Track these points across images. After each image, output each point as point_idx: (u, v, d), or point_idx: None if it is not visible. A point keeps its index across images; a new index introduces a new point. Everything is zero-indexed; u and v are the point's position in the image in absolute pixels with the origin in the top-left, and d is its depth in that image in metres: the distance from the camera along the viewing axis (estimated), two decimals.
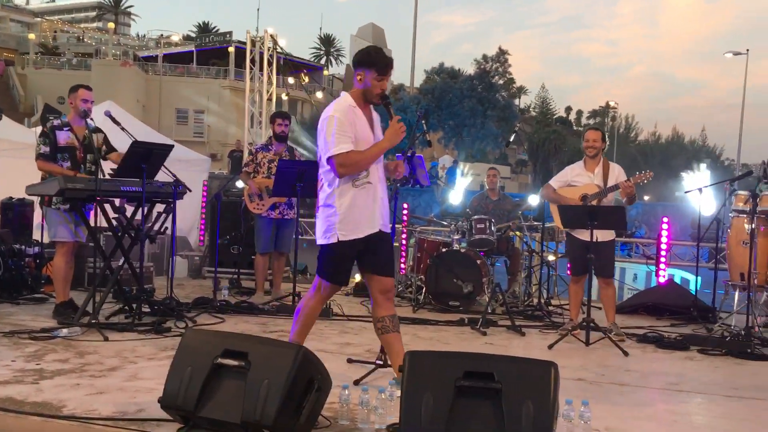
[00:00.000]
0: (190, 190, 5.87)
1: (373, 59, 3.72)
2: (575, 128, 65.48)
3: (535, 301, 7.21)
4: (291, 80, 16.85)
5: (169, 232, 5.91)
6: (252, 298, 6.86)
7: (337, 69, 61.82)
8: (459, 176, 20.50)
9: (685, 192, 8.29)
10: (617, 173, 5.91)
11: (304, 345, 3.31)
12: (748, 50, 33.46)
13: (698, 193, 6.94)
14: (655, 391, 4.39)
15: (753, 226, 6.01)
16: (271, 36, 12.35)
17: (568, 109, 72.44)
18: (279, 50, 12.91)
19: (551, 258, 8.06)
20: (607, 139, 6.27)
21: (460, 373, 2.90)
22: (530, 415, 2.78)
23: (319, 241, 3.81)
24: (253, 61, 12.25)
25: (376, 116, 3.89)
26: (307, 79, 49.89)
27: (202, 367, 3.05)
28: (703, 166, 27.52)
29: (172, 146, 5.66)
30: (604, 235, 5.77)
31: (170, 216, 5.75)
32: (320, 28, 69.63)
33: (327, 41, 68.52)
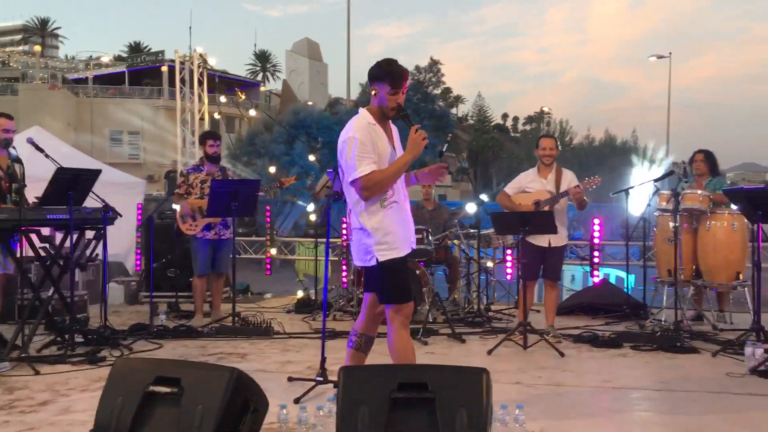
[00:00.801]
0: (120, 215, 5.76)
1: (385, 72, 3.55)
2: (512, 134, 66.81)
3: (476, 307, 7.32)
4: (223, 99, 16.68)
5: (101, 258, 5.77)
6: (191, 321, 6.75)
7: (275, 85, 61.56)
8: None
9: (612, 194, 8.57)
10: (569, 179, 6.07)
11: (237, 367, 3.29)
12: (670, 53, 34.84)
13: (626, 194, 7.17)
14: (589, 389, 4.51)
15: (677, 224, 6.26)
16: (200, 55, 12.23)
17: (505, 116, 73.77)
18: (209, 69, 12.79)
19: (489, 264, 8.20)
20: (559, 146, 6.46)
21: (394, 386, 2.93)
22: (464, 422, 2.83)
23: (358, 263, 3.70)
24: (183, 80, 12.11)
25: (395, 130, 3.76)
26: (243, 97, 49.73)
27: (134, 396, 2.99)
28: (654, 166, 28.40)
29: (100, 171, 5.54)
30: (557, 240, 5.94)
31: (101, 242, 5.63)
32: (254, 45, 69.04)
33: (263, 57, 68.20)
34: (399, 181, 3.64)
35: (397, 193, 3.62)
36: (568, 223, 6.39)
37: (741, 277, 6.57)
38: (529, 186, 6.15)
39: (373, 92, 3.61)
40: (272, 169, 13.20)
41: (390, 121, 3.71)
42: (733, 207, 6.18)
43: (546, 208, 5.90)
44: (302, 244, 10.49)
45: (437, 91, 24.28)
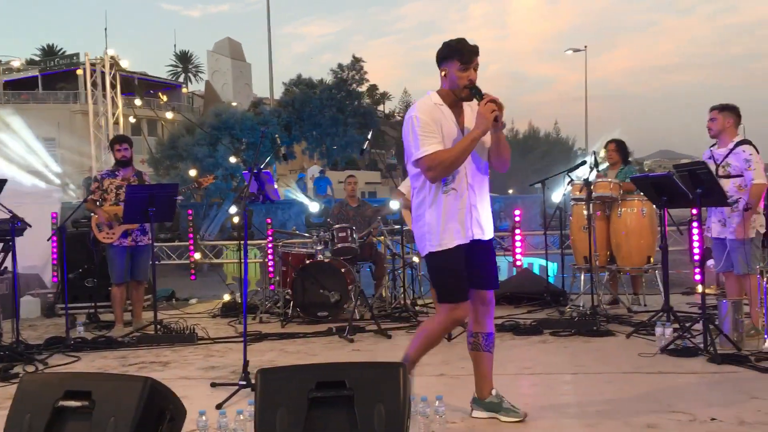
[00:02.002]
0: (29, 225, 5.54)
1: (453, 48, 3.37)
2: None
3: (402, 302, 7.38)
4: (138, 102, 16.24)
5: (11, 270, 5.55)
6: (111, 331, 6.56)
7: (197, 86, 60.35)
8: (328, 185, 20.61)
9: (529, 185, 8.81)
10: None
11: (158, 376, 3.22)
12: (585, 47, 35.98)
13: (543, 184, 7.38)
14: (509, 377, 4.62)
15: (590, 212, 6.48)
16: (112, 57, 11.87)
17: None
18: (124, 71, 12.44)
19: (415, 259, 8.28)
20: None
21: (312, 385, 2.93)
22: (382, 417, 2.85)
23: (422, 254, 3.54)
24: (95, 84, 11.73)
25: (471, 113, 3.46)
26: (165, 99, 48.48)
27: (42, 412, 2.89)
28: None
29: (5, 181, 5.32)
30: None
31: (9, 254, 5.40)
32: (174, 45, 67.36)
33: (184, 58, 66.73)
34: (466, 168, 3.41)
35: (458, 181, 3.40)
36: (494, 215, 6.51)
37: (652, 260, 6.86)
38: None
39: (443, 73, 3.42)
40: (192, 172, 12.92)
41: (464, 105, 3.48)
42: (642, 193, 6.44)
43: None
44: (228, 247, 10.35)
45: (362, 89, 24.34)
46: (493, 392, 3.65)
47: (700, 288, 5.31)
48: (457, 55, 3.34)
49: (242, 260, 5.32)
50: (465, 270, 3.43)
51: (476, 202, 3.43)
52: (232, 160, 16.87)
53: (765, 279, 5.08)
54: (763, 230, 5.35)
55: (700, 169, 4.78)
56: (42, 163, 13.27)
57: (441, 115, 3.38)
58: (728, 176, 5.19)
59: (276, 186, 5.66)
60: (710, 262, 6.38)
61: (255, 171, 4.44)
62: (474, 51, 3.36)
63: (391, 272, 7.80)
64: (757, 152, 5.22)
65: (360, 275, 7.62)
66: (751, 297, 5.36)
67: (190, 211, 9.92)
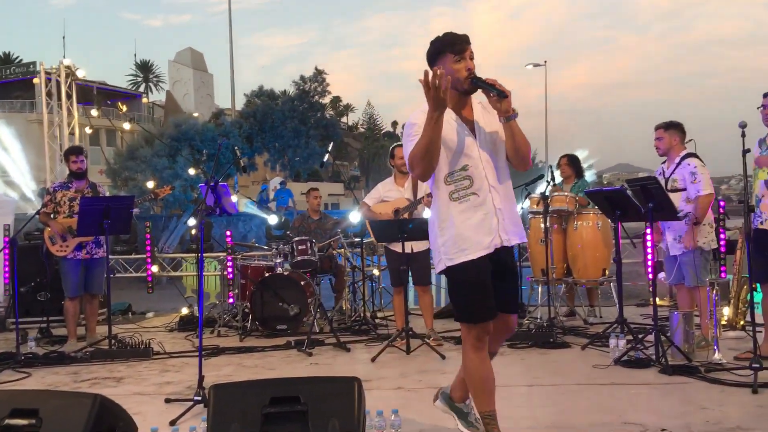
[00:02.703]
0: None
1: (443, 41, 3.13)
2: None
3: (362, 315, 7.38)
4: (94, 112, 15.99)
5: None
6: (64, 346, 6.42)
7: (159, 96, 59.67)
8: (290, 197, 20.47)
9: None
10: (425, 185, 6.21)
11: (111, 392, 3.16)
12: (546, 62, 36.59)
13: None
14: None
15: (547, 225, 6.57)
16: (68, 66, 11.67)
17: (395, 124, 74.85)
18: (81, 80, 12.23)
19: (375, 272, 8.30)
20: None
21: (266, 401, 2.91)
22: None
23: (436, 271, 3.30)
24: (50, 93, 11.50)
25: (481, 109, 3.23)
26: (124, 109, 47.84)
27: None
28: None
29: None
30: (419, 245, 6.04)
31: None
32: (135, 55, 66.51)
33: (145, 67, 65.98)
34: (487, 168, 3.12)
35: (477, 182, 3.10)
36: None
37: (607, 272, 6.98)
38: (387, 195, 6.28)
39: (439, 72, 3.02)
40: (150, 184, 12.73)
41: (473, 101, 3.24)
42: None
43: (405, 215, 6.02)
44: (187, 260, 10.22)
45: (325, 100, 24.30)
46: (468, 403, 3.52)
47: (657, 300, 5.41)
48: (449, 47, 3.11)
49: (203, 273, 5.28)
50: (490, 284, 3.12)
51: (501, 204, 3.14)
52: (192, 171, 16.68)
53: (714, 291, 5.21)
54: (714, 244, 5.49)
55: (651, 184, 4.90)
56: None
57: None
58: (676, 190, 5.31)
59: (234, 198, 5.59)
60: (661, 275, 6.52)
61: (212, 184, 4.40)
62: (464, 39, 3.13)
63: (351, 285, 7.79)
64: (703, 164, 5.36)
65: (320, 288, 7.59)
66: (701, 309, 5.48)
67: (148, 224, 9.77)
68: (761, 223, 4.93)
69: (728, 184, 51.74)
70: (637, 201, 5.12)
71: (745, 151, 4.42)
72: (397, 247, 5.94)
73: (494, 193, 3.11)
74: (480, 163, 3.11)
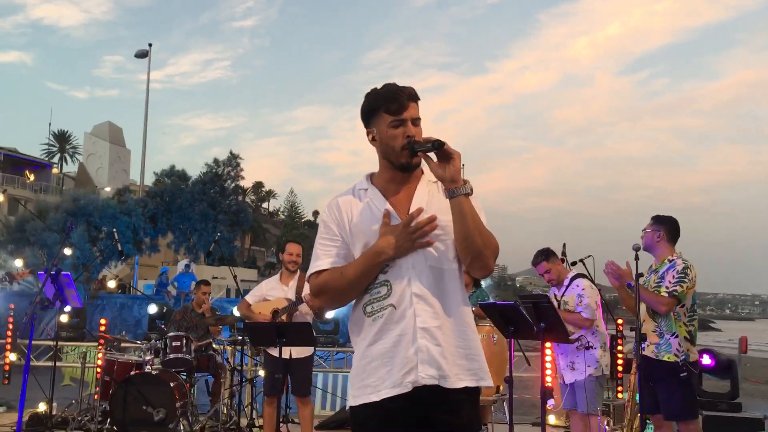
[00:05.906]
0: None
1: (374, 97, 2.34)
2: None
3: (237, 424, 6.69)
4: None
5: None
6: None
7: (74, 167, 57.79)
8: (192, 281, 19.52)
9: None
10: None
11: None
12: (463, 165, 37.53)
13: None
14: None
15: None
16: None
17: (316, 213, 74.95)
18: None
19: (261, 373, 7.65)
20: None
21: None
22: None
23: None
24: None
25: (427, 192, 2.36)
26: (32, 178, 45.68)
27: None
28: None
29: None
30: (299, 351, 5.52)
31: None
32: (50, 124, 64.50)
33: (62, 138, 64.15)
34: (405, 268, 2.25)
35: (398, 289, 2.24)
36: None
37: (501, 389, 6.60)
38: (269, 294, 5.81)
39: (370, 137, 2.37)
40: (18, 262, 11.77)
41: (421, 177, 2.39)
42: None
43: (284, 317, 5.52)
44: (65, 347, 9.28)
45: (246, 184, 23.92)
46: None
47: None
48: (383, 103, 2.29)
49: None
50: None
51: (432, 323, 2.22)
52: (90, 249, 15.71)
53: (606, 421, 4.91)
54: (607, 369, 5.26)
55: (543, 303, 4.64)
56: None
57: (354, 206, 2.35)
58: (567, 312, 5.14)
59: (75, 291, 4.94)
60: (551, 402, 6.21)
61: (52, 272, 3.83)
62: (407, 94, 2.30)
63: (230, 387, 7.12)
64: (592, 286, 5.24)
65: (195, 389, 6.91)
66: None
67: (12, 306, 8.85)
68: (643, 349, 4.73)
69: None
70: (530, 318, 4.83)
71: (638, 275, 4.24)
72: (274, 352, 5.40)
73: (419, 307, 2.22)
74: (404, 262, 2.25)
